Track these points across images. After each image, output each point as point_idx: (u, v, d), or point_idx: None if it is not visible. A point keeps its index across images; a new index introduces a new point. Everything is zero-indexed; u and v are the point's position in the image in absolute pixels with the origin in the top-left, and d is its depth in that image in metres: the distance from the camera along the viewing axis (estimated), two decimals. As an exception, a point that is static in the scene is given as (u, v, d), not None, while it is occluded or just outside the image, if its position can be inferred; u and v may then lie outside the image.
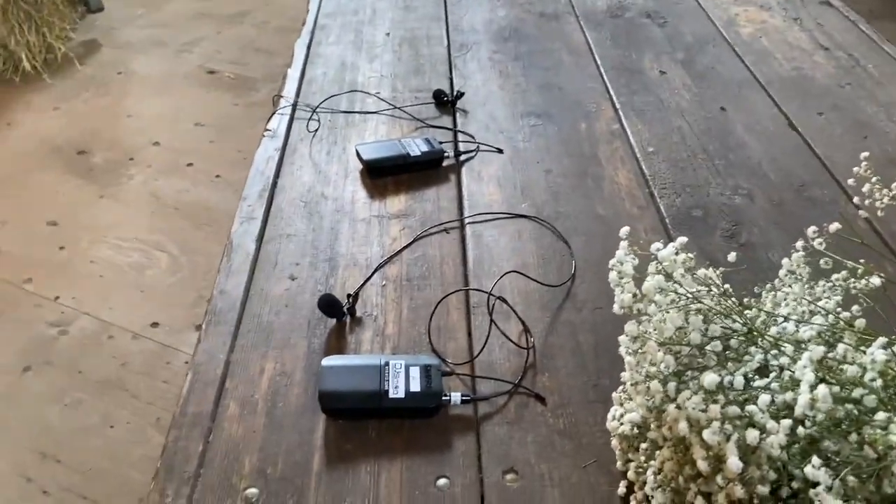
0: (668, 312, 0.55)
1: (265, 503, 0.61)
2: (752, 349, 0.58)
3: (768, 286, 0.67)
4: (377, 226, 0.90)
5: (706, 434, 0.50)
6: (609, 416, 0.63)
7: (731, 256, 0.65)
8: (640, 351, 0.55)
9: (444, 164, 1.00)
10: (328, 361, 0.70)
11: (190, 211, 2.04)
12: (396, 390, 0.66)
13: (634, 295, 0.56)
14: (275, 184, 0.97)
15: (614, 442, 0.62)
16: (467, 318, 0.78)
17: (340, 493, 0.61)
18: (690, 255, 0.56)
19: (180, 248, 1.92)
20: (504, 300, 0.78)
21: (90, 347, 1.65)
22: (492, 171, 1.00)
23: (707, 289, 0.56)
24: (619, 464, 0.62)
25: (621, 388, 0.63)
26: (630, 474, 0.59)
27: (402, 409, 0.66)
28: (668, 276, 0.55)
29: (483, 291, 0.79)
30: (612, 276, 0.57)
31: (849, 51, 1.29)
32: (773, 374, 0.56)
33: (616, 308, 0.57)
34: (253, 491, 0.61)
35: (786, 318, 0.59)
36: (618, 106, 1.14)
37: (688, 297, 0.55)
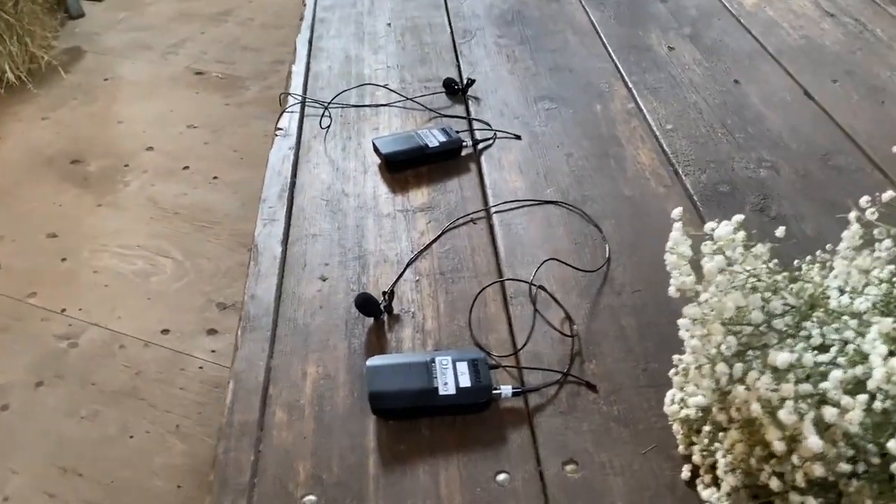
0: (728, 293, 0.54)
1: (325, 510, 0.60)
2: (807, 324, 0.57)
3: (808, 259, 0.66)
4: (403, 220, 0.89)
5: (782, 414, 0.49)
6: (667, 400, 0.62)
7: (780, 231, 0.64)
8: (704, 334, 0.54)
9: (463, 153, 0.99)
10: (373, 362, 0.68)
11: (190, 214, 2.02)
12: (446, 387, 0.65)
13: (693, 277, 0.55)
14: (293, 184, 0.96)
15: (675, 426, 0.61)
16: (505, 308, 0.77)
17: (401, 494, 0.60)
18: (749, 232, 0.55)
19: (184, 253, 1.90)
20: (544, 289, 0.77)
21: (102, 358, 1.63)
22: (512, 158, 0.98)
23: (766, 266, 0.56)
24: (680, 448, 0.61)
25: (673, 370, 0.62)
26: (695, 458, 0.59)
27: (454, 406, 0.65)
28: (727, 257, 0.54)
29: (523, 281, 0.78)
30: (670, 259, 0.56)
31: (855, 16, 1.28)
32: (834, 349, 0.55)
33: (672, 291, 0.57)
34: (311, 498, 0.60)
35: (842, 291, 0.59)
36: (630, 85, 1.13)
37: (747, 276, 0.54)
